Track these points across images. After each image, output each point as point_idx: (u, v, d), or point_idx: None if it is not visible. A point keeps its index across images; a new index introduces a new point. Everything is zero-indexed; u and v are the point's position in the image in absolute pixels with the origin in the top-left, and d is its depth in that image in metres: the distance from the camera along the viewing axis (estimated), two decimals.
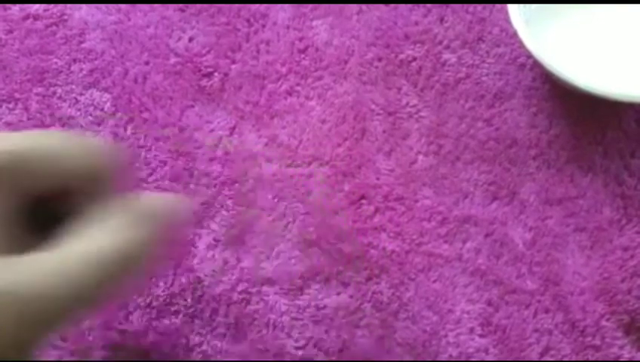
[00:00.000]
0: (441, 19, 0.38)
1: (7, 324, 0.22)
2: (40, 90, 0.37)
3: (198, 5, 0.39)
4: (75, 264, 0.23)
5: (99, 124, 0.36)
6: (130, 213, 0.26)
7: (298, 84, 0.37)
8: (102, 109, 0.37)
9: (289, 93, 0.37)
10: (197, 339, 0.32)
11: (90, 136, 0.22)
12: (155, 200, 0.27)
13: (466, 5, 0.38)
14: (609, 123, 0.35)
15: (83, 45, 0.38)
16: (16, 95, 0.37)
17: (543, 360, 0.31)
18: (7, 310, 0.22)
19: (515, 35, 0.33)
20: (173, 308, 0.32)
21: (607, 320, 0.31)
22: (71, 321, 0.23)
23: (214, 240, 0.33)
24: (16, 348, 0.22)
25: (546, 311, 0.32)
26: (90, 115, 0.37)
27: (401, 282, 0.33)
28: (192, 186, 0.34)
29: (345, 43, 0.38)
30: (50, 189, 0.24)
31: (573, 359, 0.31)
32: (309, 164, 0.35)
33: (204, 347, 0.32)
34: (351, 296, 0.32)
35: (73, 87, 0.37)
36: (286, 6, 0.38)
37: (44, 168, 0.24)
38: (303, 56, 0.38)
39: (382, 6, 0.38)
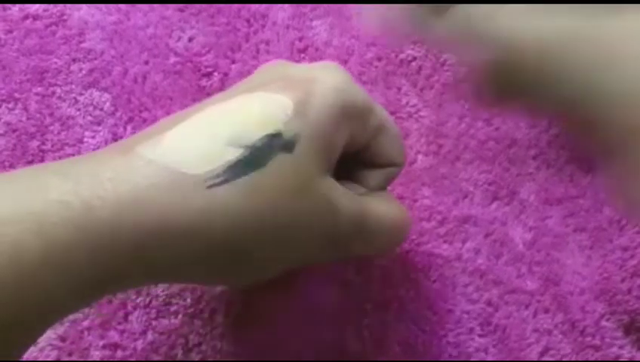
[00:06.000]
0: None
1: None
2: (39, 89, 0.37)
3: (198, 5, 0.39)
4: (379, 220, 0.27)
5: (98, 124, 0.36)
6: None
7: None
8: (101, 109, 0.37)
9: None
10: (196, 339, 0.32)
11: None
12: None
13: None
14: None
15: (82, 45, 0.38)
16: (16, 95, 0.37)
17: (542, 360, 0.31)
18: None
19: None
20: (172, 308, 0.32)
21: (607, 320, 0.31)
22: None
23: None
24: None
25: (546, 311, 0.32)
26: (90, 114, 0.37)
27: (401, 282, 0.33)
28: None
29: (345, 43, 0.38)
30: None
31: (573, 359, 0.31)
32: None
33: (204, 347, 0.32)
34: (351, 296, 0.32)
35: (73, 86, 0.37)
36: (286, 6, 0.38)
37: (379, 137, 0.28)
38: (302, 55, 0.38)
39: (381, 6, 0.38)
